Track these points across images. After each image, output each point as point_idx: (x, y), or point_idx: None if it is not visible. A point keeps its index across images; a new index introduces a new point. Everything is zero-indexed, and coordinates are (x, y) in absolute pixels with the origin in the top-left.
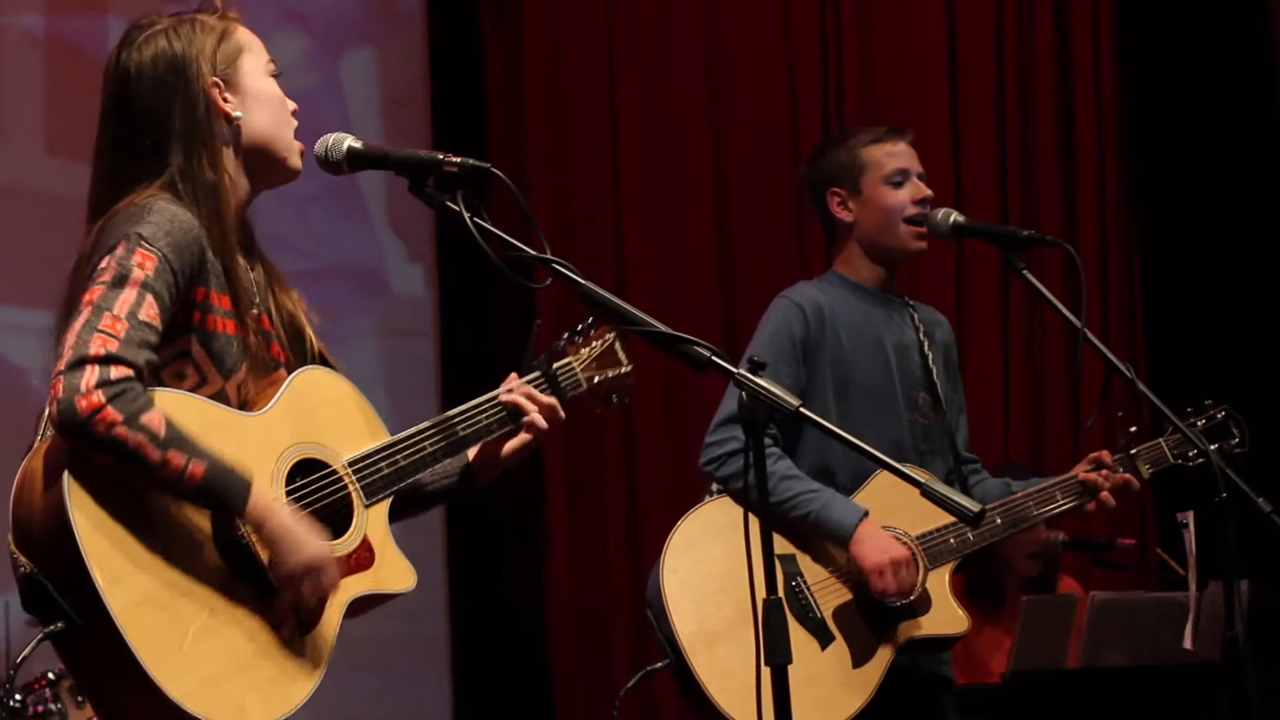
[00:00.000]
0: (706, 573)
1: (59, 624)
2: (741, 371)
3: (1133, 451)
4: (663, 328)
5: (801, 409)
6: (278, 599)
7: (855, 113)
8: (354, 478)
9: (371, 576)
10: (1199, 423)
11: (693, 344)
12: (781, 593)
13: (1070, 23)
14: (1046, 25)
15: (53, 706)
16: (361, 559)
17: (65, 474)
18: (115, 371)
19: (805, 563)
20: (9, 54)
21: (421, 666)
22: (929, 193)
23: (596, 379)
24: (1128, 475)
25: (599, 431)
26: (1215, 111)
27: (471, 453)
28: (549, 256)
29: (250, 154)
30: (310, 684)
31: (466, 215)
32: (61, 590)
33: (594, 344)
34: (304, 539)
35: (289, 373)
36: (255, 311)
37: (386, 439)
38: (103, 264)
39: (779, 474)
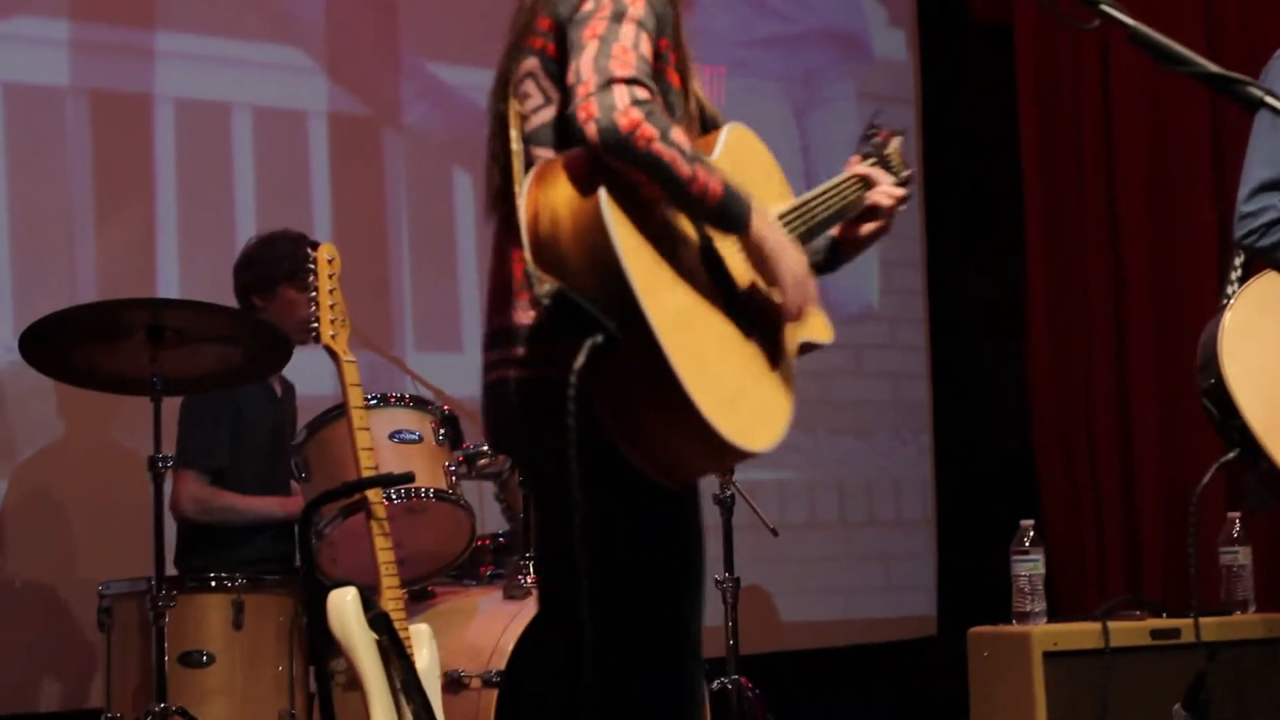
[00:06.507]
0: (1270, 354)
1: (599, 337)
2: None
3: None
4: (1214, 67)
5: None
6: (784, 302)
7: None
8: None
9: (806, 325)
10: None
11: (1246, 83)
12: None
13: None
14: None
15: None
16: None
17: (601, 190)
18: (641, 92)
19: None
20: None
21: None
22: None
23: (903, 171)
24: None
25: (1086, 383)
26: None
27: (835, 231)
28: None
29: None
30: (789, 412)
31: None
32: (598, 304)
33: (891, 141)
34: (797, 251)
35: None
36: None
37: (794, 199)
38: (589, 5)
39: None
